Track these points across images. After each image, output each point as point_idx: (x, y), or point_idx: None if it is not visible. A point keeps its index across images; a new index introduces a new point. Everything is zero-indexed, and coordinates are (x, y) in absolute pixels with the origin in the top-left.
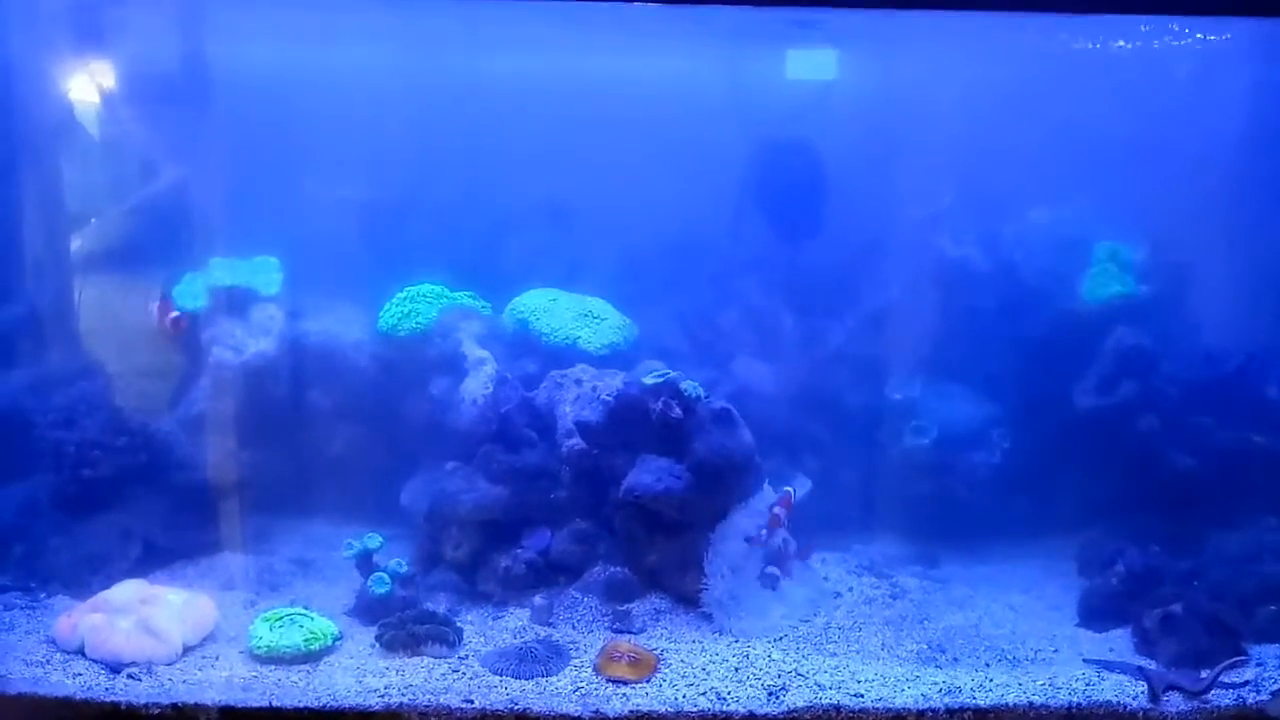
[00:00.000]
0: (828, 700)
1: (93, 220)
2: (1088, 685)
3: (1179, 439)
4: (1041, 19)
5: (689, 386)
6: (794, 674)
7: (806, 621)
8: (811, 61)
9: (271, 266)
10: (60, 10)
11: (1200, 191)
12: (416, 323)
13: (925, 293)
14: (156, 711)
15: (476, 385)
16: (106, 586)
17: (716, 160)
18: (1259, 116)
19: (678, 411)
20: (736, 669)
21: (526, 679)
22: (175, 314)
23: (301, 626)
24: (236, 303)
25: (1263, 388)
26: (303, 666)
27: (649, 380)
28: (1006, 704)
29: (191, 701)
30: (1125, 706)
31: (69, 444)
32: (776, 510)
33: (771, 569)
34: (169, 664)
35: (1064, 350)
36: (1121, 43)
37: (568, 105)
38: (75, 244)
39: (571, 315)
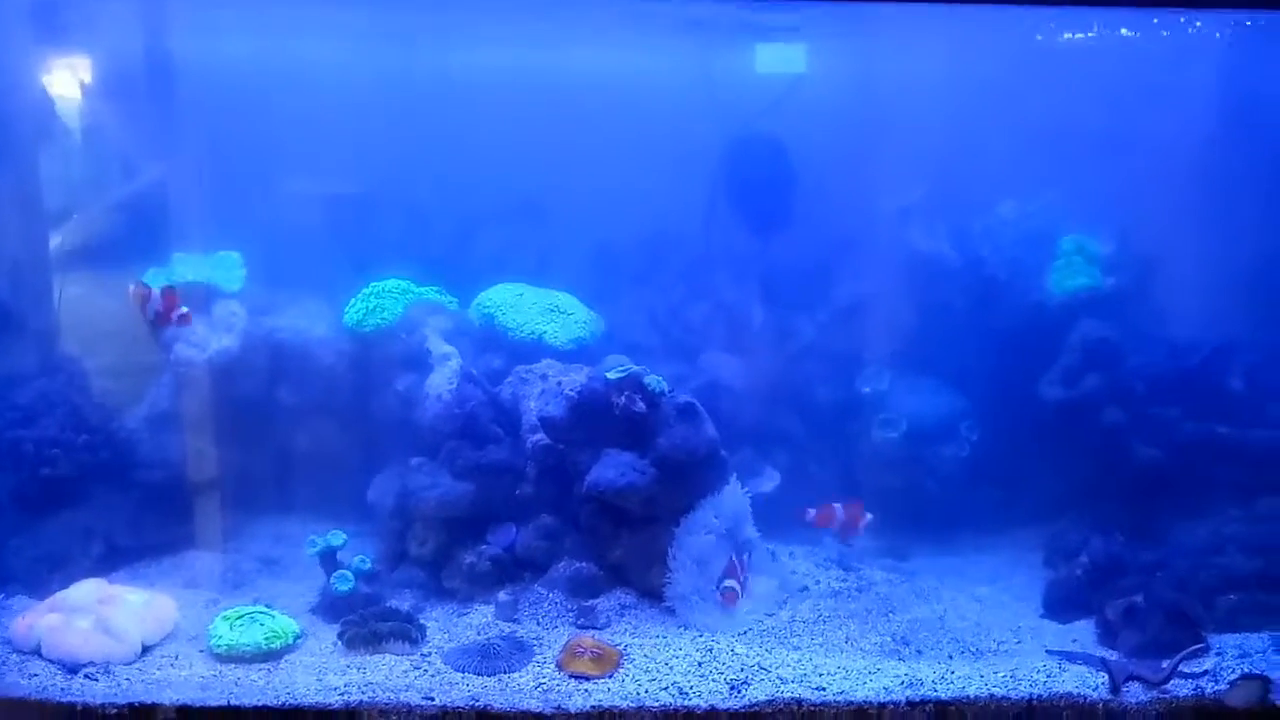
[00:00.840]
0: (789, 694)
1: (58, 217)
2: (1048, 677)
3: (1144, 431)
4: (1011, 12)
5: (652, 381)
6: (757, 668)
7: (771, 615)
8: (782, 55)
9: (234, 262)
10: (29, 7)
11: (1167, 185)
12: (382, 318)
13: (895, 287)
14: (113, 712)
15: (441, 381)
16: (66, 586)
17: (687, 154)
18: (1226, 109)
19: (641, 406)
20: (699, 663)
21: (488, 675)
22: (184, 311)
23: (262, 625)
24: (199, 299)
25: (1227, 380)
26: (263, 665)
27: (612, 375)
28: (967, 696)
29: (149, 701)
30: (1085, 698)
31: (27, 442)
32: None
33: (729, 583)
34: (127, 664)
35: (1031, 343)
36: (1088, 34)
37: (538, 99)
38: (38, 240)
39: (538, 310)
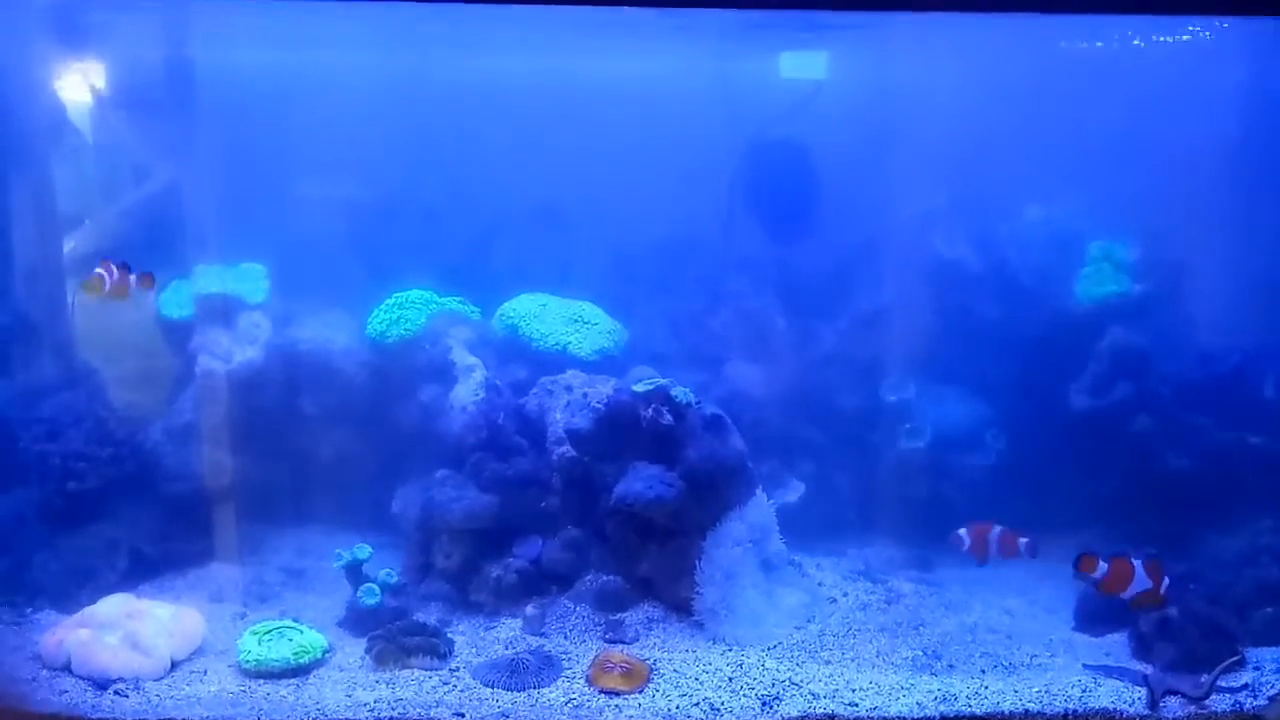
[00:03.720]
0: (822, 709)
1: (78, 226)
2: (1084, 692)
3: (1174, 440)
4: (1034, 17)
5: (680, 393)
6: (788, 683)
7: (801, 629)
8: (803, 61)
9: (258, 274)
10: (46, 14)
11: (1194, 189)
12: (405, 329)
13: (919, 293)
14: None
15: (466, 392)
16: (94, 600)
17: (708, 161)
18: (1252, 114)
19: (669, 418)
20: (730, 678)
21: (518, 691)
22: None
23: (290, 639)
24: (223, 311)
25: (1258, 388)
26: (292, 680)
27: (640, 387)
28: (1002, 711)
29: (179, 717)
30: (1122, 713)
31: (53, 456)
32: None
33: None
34: (156, 679)
35: (1059, 350)
36: (1113, 40)
37: (557, 106)
38: (60, 251)
39: (561, 320)
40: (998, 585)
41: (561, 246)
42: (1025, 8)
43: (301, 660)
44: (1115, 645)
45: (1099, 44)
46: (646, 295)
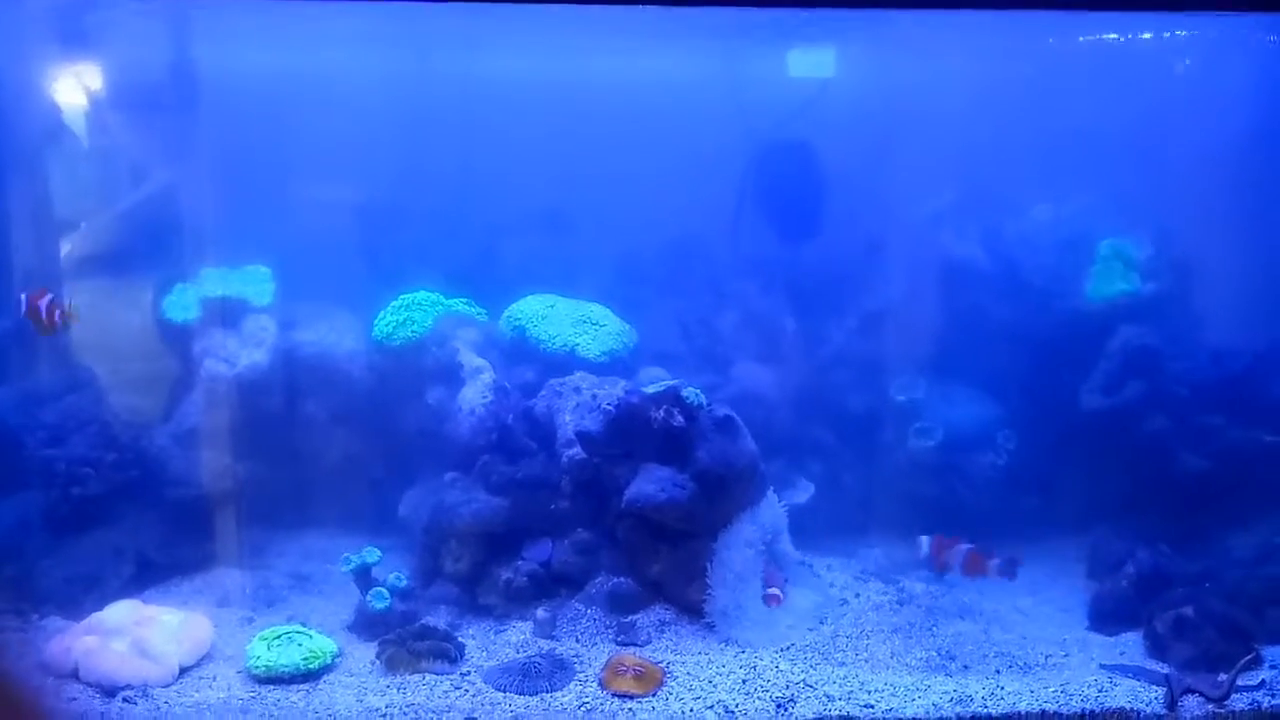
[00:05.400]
0: (837, 711)
1: (79, 229)
2: (1100, 692)
3: (1188, 439)
4: (1042, 14)
5: (691, 394)
6: (802, 685)
7: (813, 630)
8: (810, 59)
9: (263, 276)
10: (45, 15)
11: (1205, 187)
12: (412, 331)
13: (928, 293)
14: None
15: (474, 394)
16: (100, 607)
17: (715, 161)
18: (1264, 110)
19: (680, 420)
20: (744, 681)
21: (530, 695)
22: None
23: (300, 645)
24: (228, 314)
25: (1271, 386)
26: (302, 686)
27: (650, 389)
28: (1019, 712)
29: None
30: (1140, 713)
31: (59, 462)
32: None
33: (772, 590)
34: (165, 686)
35: (1069, 350)
36: (1122, 37)
37: (564, 108)
38: (62, 254)
39: (569, 322)
40: (1010, 585)
41: (568, 248)
42: (1026, 5)
43: (311, 665)
44: (1130, 644)
45: (1110, 38)
46: (654, 297)
